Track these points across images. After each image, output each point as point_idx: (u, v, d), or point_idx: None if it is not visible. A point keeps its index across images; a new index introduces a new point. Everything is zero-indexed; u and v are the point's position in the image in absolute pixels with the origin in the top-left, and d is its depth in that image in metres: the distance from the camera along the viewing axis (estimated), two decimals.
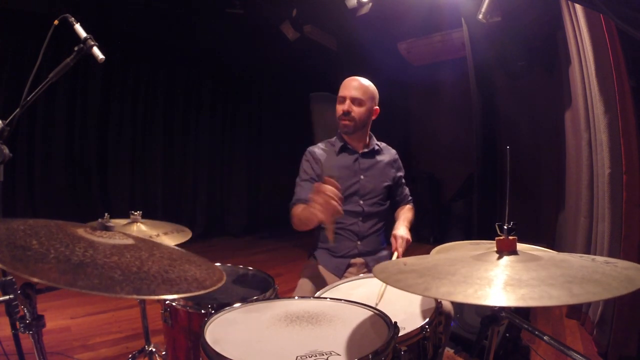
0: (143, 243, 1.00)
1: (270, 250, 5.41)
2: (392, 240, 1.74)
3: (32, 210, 4.54)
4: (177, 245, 1.46)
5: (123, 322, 2.78)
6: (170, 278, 0.84)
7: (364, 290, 1.41)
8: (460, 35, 4.35)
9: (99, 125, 5.11)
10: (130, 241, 0.96)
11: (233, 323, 1.06)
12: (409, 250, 1.71)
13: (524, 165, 4.72)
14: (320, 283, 1.74)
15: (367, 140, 1.94)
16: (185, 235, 1.63)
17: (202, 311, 1.27)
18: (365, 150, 1.92)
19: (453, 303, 1.65)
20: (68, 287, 0.68)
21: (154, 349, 1.79)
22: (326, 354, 0.88)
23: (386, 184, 1.92)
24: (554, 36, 3.60)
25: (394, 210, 2.02)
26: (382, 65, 4.65)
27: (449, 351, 2.27)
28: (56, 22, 1.36)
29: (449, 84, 5.64)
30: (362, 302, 1.15)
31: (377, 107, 1.89)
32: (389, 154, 2.00)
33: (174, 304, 1.32)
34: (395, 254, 1.67)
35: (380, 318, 1.06)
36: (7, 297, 0.81)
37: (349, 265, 1.83)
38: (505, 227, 0.92)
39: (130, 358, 1.82)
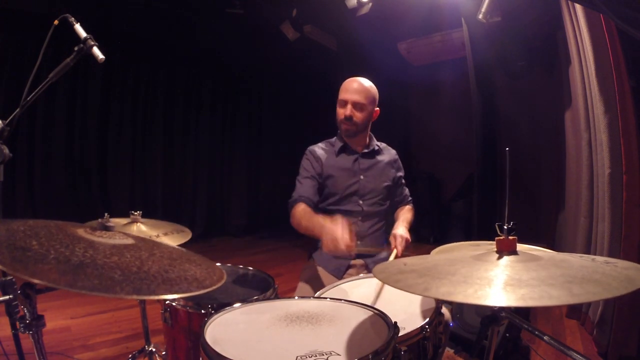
0: (143, 243, 1.00)
1: (270, 250, 5.41)
2: (391, 239, 1.74)
3: (32, 210, 4.54)
4: (176, 245, 1.46)
5: (123, 322, 2.78)
6: (170, 278, 0.84)
7: (364, 290, 1.41)
8: (460, 35, 4.35)
9: (99, 125, 5.11)
10: (130, 241, 0.96)
11: (233, 323, 1.06)
12: (409, 251, 1.71)
13: (524, 165, 4.72)
14: (320, 284, 1.74)
15: (367, 140, 1.94)
16: (185, 236, 1.63)
17: (202, 311, 1.26)
18: (365, 150, 1.92)
19: (452, 304, 1.65)
20: (68, 287, 0.68)
21: (154, 349, 1.79)
22: (326, 354, 0.88)
23: (386, 184, 1.92)
24: (554, 36, 3.60)
25: (393, 211, 2.03)
26: (382, 65, 4.65)
27: (449, 351, 2.27)
28: (56, 22, 1.35)
29: (449, 84, 5.64)
30: (362, 302, 1.16)
31: (378, 108, 1.89)
32: (388, 154, 2.00)
33: (174, 304, 1.32)
34: (394, 253, 1.67)
35: (380, 318, 1.06)
36: (7, 297, 0.81)
37: (349, 267, 1.83)
38: (505, 227, 0.92)
39: (130, 358, 1.82)
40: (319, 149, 1.93)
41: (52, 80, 1.30)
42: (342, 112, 1.83)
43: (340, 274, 1.80)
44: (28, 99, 1.28)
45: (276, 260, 4.87)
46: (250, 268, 1.66)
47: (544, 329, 2.48)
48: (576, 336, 2.58)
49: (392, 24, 4.62)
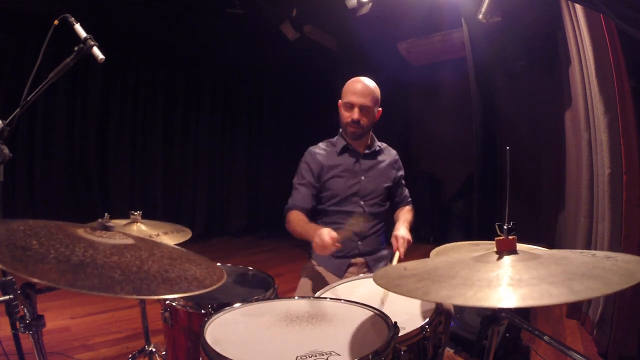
0: (143, 243, 1.00)
1: (270, 250, 5.40)
2: (393, 240, 1.74)
3: (32, 210, 4.54)
4: (176, 244, 1.46)
5: (123, 322, 2.78)
6: (170, 277, 0.84)
7: (364, 290, 1.41)
8: (460, 35, 4.35)
9: (99, 125, 5.11)
10: (130, 241, 0.96)
11: (233, 323, 1.06)
12: (409, 251, 1.71)
13: (524, 165, 4.72)
14: (320, 284, 1.74)
15: (369, 141, 1.94)
16: (185, 235, 1.63)
17: (202, 311, 1.27)
18: (367, 151, 1.92)
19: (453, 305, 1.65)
20: (68, 287, 0.68)
21: (154, 349, 1.79)
22: (326, 354, 0.88)
23: (387, 184, 1.92)
24: (554, 36, 3.60)
25: (393, 211, 2.03)
26: (382, 65, 4.65)
27: (449, 351, 2.27)
28: (56, 22, 1.35)
29: (449, 84, 5.64)
30: (363, 302, 1.16)
31: (380, 108, 1.89)
32: (389, 154, 2.01)
33: (174, 304, 1.32)
34: (397, 255, 1.67)
35: (380, 318, 1.06)
36: (7, 297, 0.81)
37: (350, 265, 1.84)
38: (505, 227, 0.92)
39: (130, 358, 1.82)
40: (319, 149, 1.93)
41: (52, 80, 1.30)
42: (348, 116, 1.82)
43: (341, 274, 1.80)
44: (28, 99, 1.28)
45: (276, 260, 4.87)
46: (250, 268, 1.67)
47: (544, 329, 2.48)
48: (576, 336, 2.58)
49: (392, 24, 4.62)
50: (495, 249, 0.93)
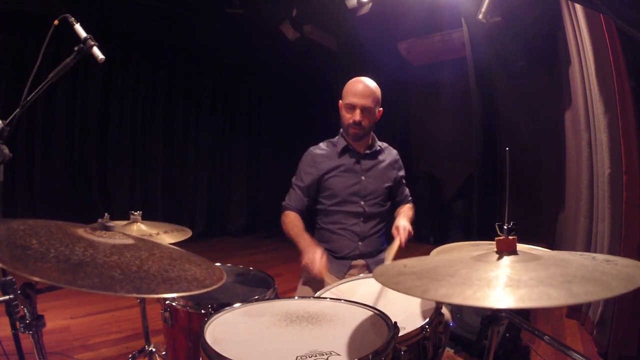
0: (143, 243, 1.00)
1: (270, 250, 5.40)
2: (394, 231, 1.75)
3: (32, 210, 4.54)
4: (176, 243, 1.46)
5: (123, 322, 2.78)
6: (170, 277, 0.84)
7: (365, 290, 1.41)
8: (460, 35, 4.35)
9: (99, 125, 5.11)
10: (130, 241, 0.96)
11: (233, 323, 1.06)
12: (409, 251, 1.71)
13: (524, 166, 4.72)
14: (320, 284, 1.74)
15: (370, 141, 1.93)
16: (185, 234, 1.63)
17: (202, 311, 1.26)
18: (368, 151, 1.92)
19: (452, 305, 1.65)
20: (68, 286, 0.68)
21: (154, 349, 1.79)
22: (326, 354, 0.88)
23: (387, 184, 1.92)
24: (554, 36, 3.60)
25: (394, 210, 2.02)
26: (382, 65, 4.65)
27: (449, 351, 2.27)
28: (56, 22, 1.35)
29: (449, 84, 5.64)
30: (363, 302, 1.16)
31: (381, 108, 1.89)
32: (390, 154, 2.00)
33: (174, 303, 1.32)
34: (397, 242, 1.68)
35: (380, 318, 1.06)
36: (7, 297, 0.81)
37: (350, 267, 1.84)
38: (505, 227, 0.92)
39: (130, 358, 1.81)
40: (319, 150, 1.93)
41: (52, 80, 1.30)
42: (350, 117, 1.81)
43: (341, 275, 1.80)
44: (28, 99, 1.28)
45: (276, 260, 4.86)
46: (250, 268, 1.66)
47: (544, 329, 2.48)
48: (576, 336, 2.58)
49: (392, 24, 4.62)
50: (495, 249, 0.93)
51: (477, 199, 4.29)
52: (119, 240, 0.94)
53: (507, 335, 2.16)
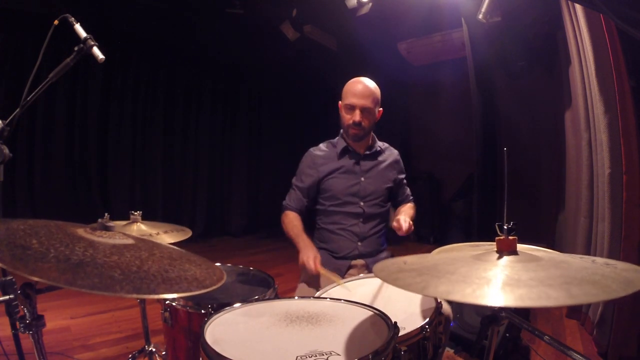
0: (143, 243, 1.00)
1: (270, 250, 5.40)
2: (394, 224, 1.72)
3: (32, 210, 4.54)
4: (176, 243, 1.46)
5: (123, 322, 2.78)
6: (170, 277, 0.84)
7: (365, 290, 1.41)
8: (460, 35, 4.35)
9: (99, 125, 5.10)
10: (130, 241, 0.96)
11: (233, 323, 1.06)
12: (409, 251, 1.71)
13: (524, 165, 4.72)
14: (319, 284, 1.74)
15: (370, 141, 1.93)
16: (185, 234, 1.63)
17: (202, 311, 1.27)
18: (367, 152, 1.91)
19: (452, 303, 1.65)
20: (68, 286, 0.68)
21: (154, 349, 1.79)
22: (326, 354, 0.88)
23: (387, 185, 1.92)
24: (554, 36, 3.60)
25: (394, 210, 2.02)
26: (382, 65, 4.65)
27: (449, 351, 2.27)
28: (56, 22, 1.35)
29: (449, 84, 5.63)
30: (363, 302, 1.15)
31: (381, 108, 1.89)
32: (391, 155, 2.00)
33: (174, 303, 1.32)
34: (401, 219, 1.67)
35: (380, 318, 1.06)
36: (7, 297, 0.81)
37: (350, 267, 1.84)
38: (505, 227, 0.92)
39: (130, 358, 1.82)
40: (319, 151, 1.93)
41: (52, 80, 1.30)
42: (349, 118, 1.81)
43: (340, 274, 1.80)
44: (28, 99, 1.28)
45: (276, 260, 4.86)
46: (251, 268, 1.67)
47: (544, 329, 2.48)
48: (576, 336, 2.58)
49: (392, 24, 4.62)
50: (495, 249, 0.93)
51: (477, 199, 4.28)
52: (119, 240, 0.94)
53: (507, 335, 2.17)
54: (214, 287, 0.88)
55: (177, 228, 1.68)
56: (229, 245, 5.74)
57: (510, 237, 0.91)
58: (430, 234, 5.65)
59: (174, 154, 5.77)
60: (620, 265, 0.84)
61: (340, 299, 1.20)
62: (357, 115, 1.79)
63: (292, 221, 1.83)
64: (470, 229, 4.82)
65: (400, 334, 1.00)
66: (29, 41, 4.25)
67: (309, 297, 1.26)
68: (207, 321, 1.03)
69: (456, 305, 2.32)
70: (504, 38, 4.14)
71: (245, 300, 1.21)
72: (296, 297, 1.27)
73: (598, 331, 2.35)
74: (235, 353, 0.86)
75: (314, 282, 1.76)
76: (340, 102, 1.86)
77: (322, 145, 1.96)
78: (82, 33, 1.35)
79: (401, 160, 2.03)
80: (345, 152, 1.90)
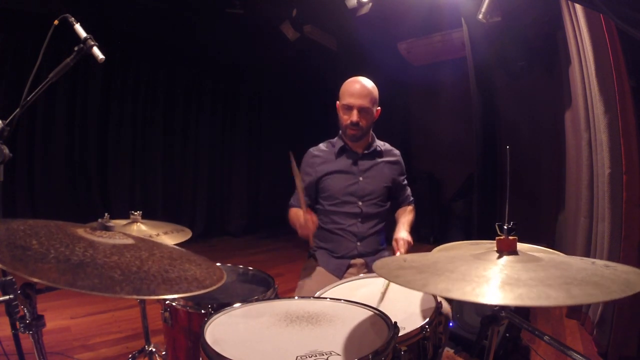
0: (143, 243, 1.00)
1: (270, 250, 5.40)
2: (394, 244, 1.74)
3: (32, 210, 4.54)
4: (176, 244, 1.46)
5: (123, 322, 2.78)
6: (170, 278, 0.84)
7: (365, 290, 1.41)
8: (460, 35, 4.35)
9: (99, 125, 5.10)
10: (130, 241, 0.96)
11: (233, 323, 1.06)
12: (409, 251, 1.71)
13: (524, 165, 4.72)
14: (319, 284, 1.74)
15: (369, 141, 1.93)
16: (185, 235, 1.63)
17: (202, 311, 1.27)
18: (366, 151, 1.91)
19: (452, 303, 1.65)
20: (68, 287, 0.68)
21: (154, 349, 1.79)
22: (326, 354, 0.88)
23: (386, 185, 1.91)
24: (554, 36, 3.60)
25: (394, 211, 2.02)
26: (382, 65, 4.65)
27: (449, 351, 2.27)
28: (56, 22, 1.36)
29: (449, 84, 5.63)
30: (363, 302, 1.15)
31: (379, 107, 1.89)
32: (391, 155, 1.99)
33: (174, 304, 1.32)
34: (398, 255, 1.67)
35: (380, 318, 1.06)
36: (7, 297, 0.81)
37: (349, 266, 1.84)
38: (505, 227, 0.92)
39: (130, 358, 1.82)
40: (318, 151, 1.93)
41: (52, 80, 1.30)
42: (347, 118, 1.81)
43: (340, 274, 1.80)
44: (28, 99, 1.28)
45: (276, 260, 4.87)
46: (250, 268, 1.66)
47: (544, 329, 2.48)
48: (576, 336, 2.58)
49: (392, 24, 4.62)
50: (495, 249, 0.93)
51: (477, 199, 4.28)
52: (119, 240, 0.94)
53: (507, 335, 2.17)
54: (214, 287, 0.88)
55: (177, 228, 1.68)
56: (229, 245, 5.74)
57: (510, 237, 0.92)
58: (430, 234, 5.65)
59: (174, 154, 5.77)
60: (621, 267, 0.84)
61: (340, 299, 1.20)
62: (354, 116, 1.78)
63: (295, 214, 1.83)
64: (470, 229, 4.82)
65: (400, 334, 1.00)
66: (29, 41, 4.25)
67: (309, 297, 1.26)
68: (207, 321, 1.03)
69: (456, 305, 2.32)
70: (504, 38, 4.14)
71: (245, 300, 1.21)
72: (296, 297, 1.28)
73: (598, 331, 2.35)
74: (235, 353, 0.86)
75: (315, 281, 1.76)
76: (338, 102, 1.87)
77: (321, 145, 1.97)
78: (82, 33, 1.35)
79: (402, 161, 2.02)
80: (343, 151, 1.90)
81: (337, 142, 1.93)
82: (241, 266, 1.68)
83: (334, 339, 0.95)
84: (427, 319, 1.13)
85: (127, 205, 4.15)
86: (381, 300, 1.31)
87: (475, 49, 4.03)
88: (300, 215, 1.69)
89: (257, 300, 1.23)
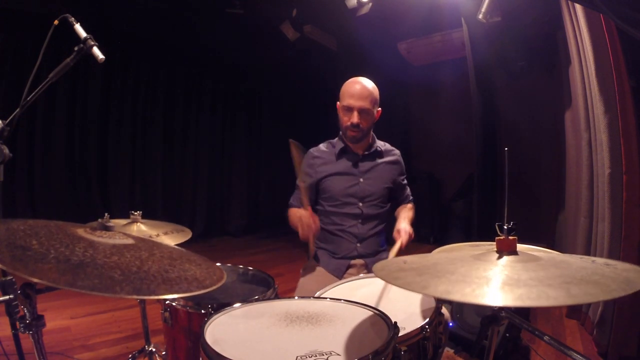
0: (143, 243, 1.00)
1: (270, 250, 5.40)
2: (395, 234, 1.73)
3: (32, 210, 4.54)
4: (176, 244, 1.46)
5: (123, 322, 2.78)
6: (170, 278, 0.84)
7: (365, 290, 1.41)
8: (460, 35, 4.35)
9: (99, 125, 5.11)
10: (130, 241, 0.96)
11: (233, 323, 1.06)
12: (409, 251, 1.71)
13: (524, 165, 4.72)
14: (319, 284, 1.74)
15: (369, 142, 1.92)
16: (185, 235, 1.63)
17: (202, 311, 1.27)
18: (366, 152, 1.90)
19: (452, 303, 1.66)
20: (68, 287, 0.68)
21: (154, 349, 1.79)
22: (326, 354, 0.88)
23: (386, 186, 1.91)
24: (554, 36, 3.60)
25: (394, 210, 2.02)
26: (382, 65, 4.65)
27: (448, 351, 2.27)
28: (56, 22, 1.35)
29: (449, 84, 5.63)
30: (363, 302, 1.15)
31: (380, 108, 1.88)
32: (391, 155, 1.98)
33: (174, 304, 1.32)
34: (398, 244, 1.67)
35: (380, 318, 1.06)
36: (7, 297, 0.81)
37: (349, 267, 1.83)
38: (505, 227, 0.92)
39: (130, 358, 1.82)
40: (317, 152, 1.93)
41: (52, 80, 1.30)
42: (347, 119, 1.79)
43: (340, 274, 1.80)
44: (28, 99, 1.28)
45: (276, 260, 4.87)
46: (250, 268, 1.66)
47: (544, 329, 2.48)
48: (576, 336, 2.58)
49: (392, 24, 4.62)
50: (495, 249, 0.93)
51: (477, 199, 4.28)
52: (119, 240, 0.94)
53: (507, 335, 2.17)
54: (214, 287, 0.88)
55: (177, 228, 1.68)
56: (229, 245, 5.74)
57: (510, 237, 0.92)
58: (430, 234, 5.65)
59: (174, 154, 5.78)
60: (620, 265, 0.84)
61: (340, 299, 1.20)
62: (355, 117, 1.77)
63: (296, 213, 1.82)
64: (470, 229, 4.82)
65: (400, 334, 1.00)
66: (29, 41, 4.25)
67: (309, 297, 1.26)
68: (207, 321, 1.03)
69: (456, 305, 2.32)
70: (504, 38, 4.14)
71: (245, 300, 1.21)
72: (296, 297, 1.27)
73: (598, 331, 2.35)
74: (235, 353, 0.86)
75: (315, 281, 1.76)
76: (338, 102, 1.86)
77: (321, 146, 1.96)
78: (82, 33, 1.35)
79: (402, 161, 2.02)
80: (343, 153, 1.89)
81: (337, 143, 1.92)
82: (241, 266, 1.68)
83: (334, 339, 0.95)
84: (427, 319, 1.13)
85: (127, 205, 4.15)
86: (379, 299, 1.31)
87: (475, 49, 4.03)
88: (302, 215, 1.67)
89: (257, 300, 1.23)
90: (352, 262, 1.84)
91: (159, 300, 1.67)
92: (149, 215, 1.68)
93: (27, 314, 0.83)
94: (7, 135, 1.23)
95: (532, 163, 4.78)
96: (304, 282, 1.81)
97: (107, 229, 0.97)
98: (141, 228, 1.59)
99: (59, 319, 2.76)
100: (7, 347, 1.55)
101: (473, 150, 4.29)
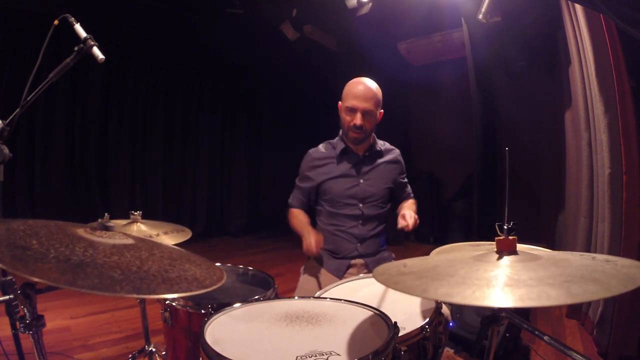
0: (143, 243, 1.00)
1: (270, 250, 5.40)
2: (400, 220, 1.67)
3: (32, 210, 4.54)
4: (177, 244, 1.46)
5: (123, 322, 2.78)
6: (170, 277, 0.84)
7: (365, 290, 1.41)
8: (460, 35, 4.35)
9: (99, 126, 5.11)
10: (130, 241, 0.96)
11: (233, 323, 1.06)
12: (409, 251, 1.71)
13: (524, 165, 4.72)
14: (319, 284, 1.74)
15: (370, 142, 1.91)
16: (185, 235, 1.63)
17: (202, 311, 1.27)
18: (367, 153, 1.89)
19: (452, 304, 1.65)
20: (68, 286, 0.68)
21: (154, 349, 1.79)
22: (326, 354, 0.88)
23: (387, 186, 1.91)
24: (554, 36, 3.60)
25: (395, 209, 2.01)
26: (382, 65, 4.65)
27: (448, 351, 2.27)
28: (56, 22, 1.35)
29: (449, 84, 5.63)
30: (363, 302, 1.15)
31: (382, 109, 1.87)
32: (391, 154, 1.97)
33: (174, 303, 1.32)
34: (407, 215, 1.65)
35: (380, 318, 1.06)
36: (7, 297, 0.81)
37: (349, 266, 1.83)
38: (505, 227, 0.92)
39: (130, 358, 1.82)
40: (317, 153, 1.92)
41: (52, 80, 1.30)
42: (350, 120, 1.77)
43: (340, 274, 1.80)
44: (28, 99, 1.28)
45: (276, 260, 4.86)
46: (250, 268, 1.66)
47: (544, 329, 2.48)
48: (576, 336, 2.58)
49: (392, 24, 4.62)
50: (495, 249, 0.93)
51: (477, 199, 4.29)
52: (119, 240, 0.94)
53: (507, 335, 2.16)
54: (214, 287, 0.88)
55: (177, 228, 1.68)
56: (229, 245, 5.74)
57: (510, 237, 0.91)
58: (430, 234, 5.65)
59: (174, 154, 5.78)
60: (621, 261, 0.84)
61: (340, 299, 1.20)
62: (358, 119, 1.75)
63: (297, 216, 1.86)
64: (470, 229, 4.82)
65: (400, 334, 1.00)
66: (29, 41, 4.25)
67: (309, 297, 1.26)
68: (207, 321, 1.03)
69: (456, 306, 2.32)
70: (504, 38, 4.14)
71: (245, 300, 1.21)
72: (296, 297, 1.28)
73: (598, 331, 2.35)
74: (235, 353, 0.86)
75: (315, 281, 1.76)
76: (340, 102, 1.84)
77: (321, 147, 1.95)
78: (82, 33, 1.34)
79: (402, 160, 2.01)
80: (344, 153, 1.88)
81: (337, 143, 1.90)
82: (241, 266, 1.68)
83: (334, 339, 0.95)
84: (427, 319, 1.13)
85: (127, 205, 4.15)
86: (381, 300, 1.31)
87: (475, 49, 4.03)
88: (304, 228, 1.75)
89: (257, 300, 1.23)
90: (353, 262, 1.83)
91: (159, 300, 1.67)
92: (149, 215, 1.68)
93: (27, 314, 0.83)
94: (7, 135, 1.23)
95: (532, 163, 4.78)
96: (304, 282, 1.81)
97: (107, 229, 0.97)
98: (141, 228, 1.59)
99: (59, 319, 2.76)
100: (7, 347, 1.55)
101: (473, 150, 4.29)
